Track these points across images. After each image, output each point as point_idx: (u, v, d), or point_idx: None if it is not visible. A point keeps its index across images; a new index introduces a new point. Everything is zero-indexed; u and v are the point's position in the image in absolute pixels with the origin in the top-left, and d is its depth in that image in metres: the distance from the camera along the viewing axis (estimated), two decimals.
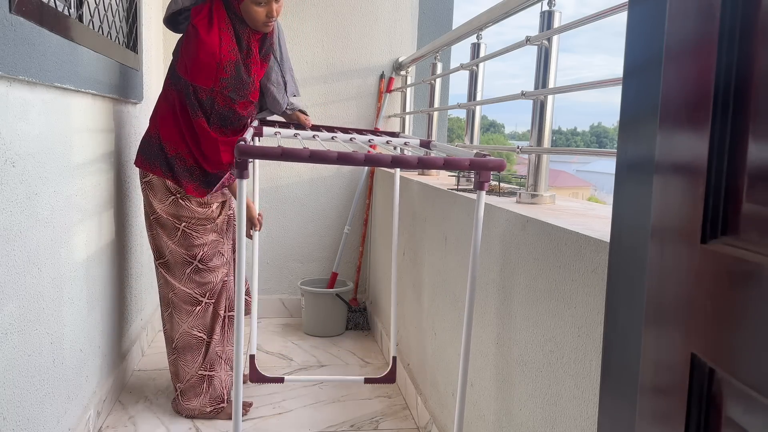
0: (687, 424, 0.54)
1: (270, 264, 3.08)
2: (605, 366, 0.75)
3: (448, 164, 1.32)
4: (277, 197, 3.04)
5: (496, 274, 1.38)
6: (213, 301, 2.02)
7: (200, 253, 1.98)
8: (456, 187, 1.86)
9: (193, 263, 1.98)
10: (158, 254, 2.00)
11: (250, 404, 2.12)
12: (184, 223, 1.95)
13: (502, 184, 1.74)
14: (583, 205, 1.45)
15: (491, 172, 1.48)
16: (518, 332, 1.25)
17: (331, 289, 2.87)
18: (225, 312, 2.08)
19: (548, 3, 1.40)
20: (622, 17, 0.86)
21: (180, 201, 1.94)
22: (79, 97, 1.71)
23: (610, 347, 0.74)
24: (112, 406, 2.05)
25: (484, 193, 1.45)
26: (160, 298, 2.06)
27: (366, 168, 3.00)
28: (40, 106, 1.42)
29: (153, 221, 1.97)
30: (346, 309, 2.93)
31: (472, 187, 1.85)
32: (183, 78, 1.88)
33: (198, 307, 2.00)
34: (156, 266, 2.02)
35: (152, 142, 1.94)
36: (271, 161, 2.67)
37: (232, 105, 1.89)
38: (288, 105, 2.11)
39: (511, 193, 1.64)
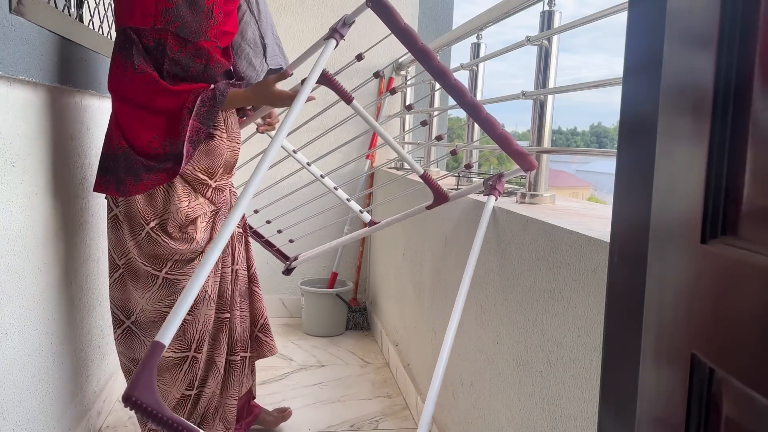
0: (687, 424, 0.54)
1: (270, 264, 3.07)
2: (605, 366, 0.75)
3: (502, 138, 1.37)
4: (277, 197, 3.03)
5: (496, 274, 1.38)
6: (201, 353, 1.59)
7: None
8: (456, 187, 1.86)
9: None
10: (125, 313, 1.54)
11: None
12: (165, 269, 1.50)
13: None
14: (583, 205, 1.45)
15: (491, 173, 1.48)
16: (518, 332, 1.25)
17: (331, 289, 2.87)
18: (226, 357, 1.68)
19: (548, 3, 1.40)
20: (622, 17, 0.86)
21: (155, 235, 1.47)
22: (79, 97, 1.71)
23: (609, 347, 0.74)
24: (112, 406, 2.04)
25: (494, 199, 1.43)
26: (132, 364, 1.58)
27: (366, 168, 3.00)
28: (40, 106, 1.42)
29: (123, 267, 1.52)
30: (346, 309, 2.93)
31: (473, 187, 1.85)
32: (120, 31, 1.44)
33: (185, 364, 1.57)
34: (126, 328, 1.55)
35: (104, 155, 1.50)
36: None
37: (188, 47, 1.44)
38: (270, 70, 1.68)
39: (511, 193, 1.64)
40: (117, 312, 1.56)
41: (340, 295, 2.87)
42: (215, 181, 1.57)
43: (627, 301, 0.70)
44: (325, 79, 1.44)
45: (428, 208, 1.61)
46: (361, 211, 1.88)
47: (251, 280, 1.76)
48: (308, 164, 1.90)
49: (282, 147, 1.85)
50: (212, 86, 1.46)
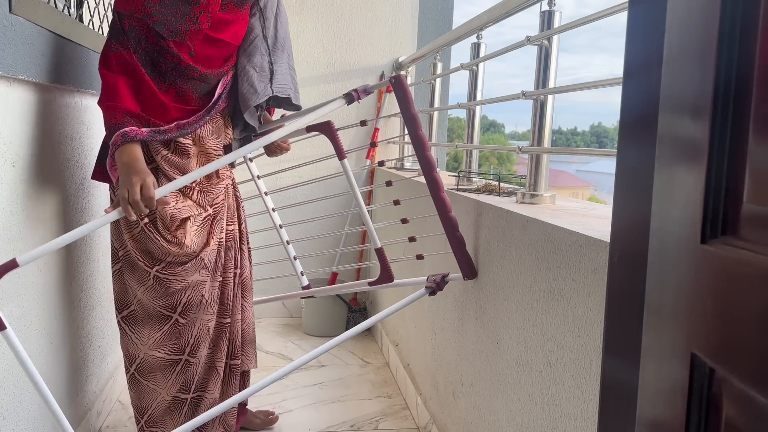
0: (687, 424, 0.54)
1: (270, 265, 3.07)
2: (605, 366, 0.75)
3: (454, 237, 1.46)
4: (276, 197, 3.04)
5: (496, 274, 1.38)
6: (196, 357, 1.58)
7: (183, 300, 1.53)
8: (456, 187, 1.86)
9: (172, 317, 1.53)
10: (120, 304, 1.55)
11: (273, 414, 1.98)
12: (156, 267, 1.49)
13: (502, 184, 1.74)
14: (583, 205, 1.45)
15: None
16: (518, 332, 1.25)
17: None
18: (227, 360, 1.68)
19: (548, 3, 1.40)
20: (622, 17, 0.86)
21: (148, 231, 1.47)
22: (79, 97, 1.71)
23: (609, 347, 0.74)
24: (112, 406, 2.04)
25: (426, 293, 1.57)
26: (125, 358, 1.59)
27: (366, 168, 3.00)
28: (40, 106, 1.42)
29: (122, 259, 1.53)
30: (346, 309, 2.93)
31: (472, 187, 1.85)
32: (115, 18, 1.43)
33: (178, 366, 1.57)
34: (118, 322, 1.57)
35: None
36: (268, 160, 2.66)
37: (161, 43, 1.41)
38: (268, 97, 1.60)
39: (511, 193, 1.64)
40: (115, 305, 1.57)
41: (340, 295, 2.87)
42: (198, 184, 1.54)
43: (627, 301, 0.70)
44: (328, 130, 1.55)
45: (371, 284, 1.73)
46: (302, 273, 1.98)
47: (243, 288, 1.73)
48: (273, 210, 1.97)
49: (256, 186, 1.93)
50: (125, 130, 1.38)
